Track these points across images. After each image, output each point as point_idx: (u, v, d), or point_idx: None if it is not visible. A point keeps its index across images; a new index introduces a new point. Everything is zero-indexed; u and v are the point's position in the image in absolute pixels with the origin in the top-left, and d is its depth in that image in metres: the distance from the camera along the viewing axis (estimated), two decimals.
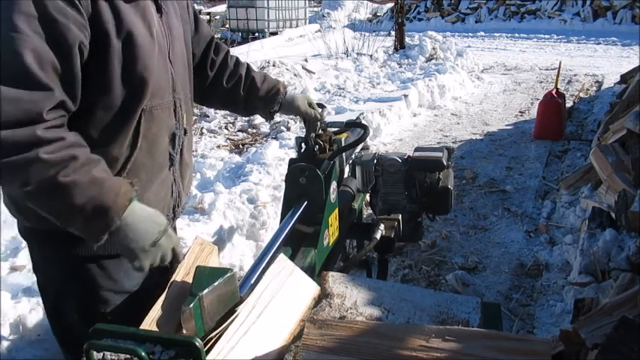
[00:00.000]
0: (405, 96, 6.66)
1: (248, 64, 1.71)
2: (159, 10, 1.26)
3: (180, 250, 1.20)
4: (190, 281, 1.12)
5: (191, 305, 0.97)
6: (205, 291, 1.00)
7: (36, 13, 0.99)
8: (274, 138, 4.97)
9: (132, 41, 1.13)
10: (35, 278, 1.40)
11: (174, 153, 1.34)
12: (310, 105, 1.78)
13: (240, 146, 5.17)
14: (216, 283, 1.02)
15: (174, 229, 1.52)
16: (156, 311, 1.05)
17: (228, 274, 1.05)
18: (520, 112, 6.85)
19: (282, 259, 1.21)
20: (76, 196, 1.01)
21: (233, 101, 1.68)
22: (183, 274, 1.17)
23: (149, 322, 1.03)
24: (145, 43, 1.17)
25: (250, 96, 1.67)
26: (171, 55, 1.29)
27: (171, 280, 1.12)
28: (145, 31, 1.17)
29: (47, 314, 1.42)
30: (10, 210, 1.30)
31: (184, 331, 0.98)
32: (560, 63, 6.30)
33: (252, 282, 1.17)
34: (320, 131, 1.79)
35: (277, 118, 5.61)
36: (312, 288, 1.32)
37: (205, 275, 1.04)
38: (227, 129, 5.70)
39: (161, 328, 1.04)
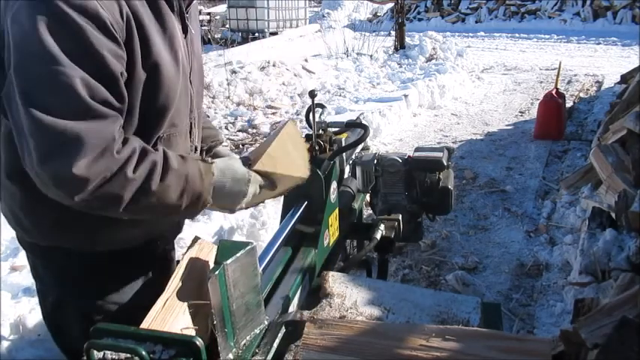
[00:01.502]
0: (405, 96, 6.66)
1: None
2: (184, 30, 1.21)
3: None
4: (190, 278, 1.13)
5: (216, 272, 1.04)
6: (229, 260, 1.07)
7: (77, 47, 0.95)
8: None
9: (157, 72, 1.10)
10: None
11: None
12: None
13: (240, 146, 5.17)
14: (238, 254, 1.10)
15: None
16: (156, 310, 1.06)
17: (250, 247, 1.13)
18: (520, 112, 6.85)
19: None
20: (171, 195, 1.06)
21: None
22: (182, 274, 1.17)
23: (149, 321, 1.03)
24: (171, 73, 1.13)
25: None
26: (192, 75, 1.25)
27: (171, 279, 1.12)
28: (172, 61, 1.13)
29: (44, 316, 1.39)
30: (11, 223, 1.26)
31: (211, 297, 1.04)
32: (560, 63, 6.29)
33: None
34: (320, 131, 1.79)
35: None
36: None
37: (228, 247, 1.12)
38: (227, 129, 5.70)
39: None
